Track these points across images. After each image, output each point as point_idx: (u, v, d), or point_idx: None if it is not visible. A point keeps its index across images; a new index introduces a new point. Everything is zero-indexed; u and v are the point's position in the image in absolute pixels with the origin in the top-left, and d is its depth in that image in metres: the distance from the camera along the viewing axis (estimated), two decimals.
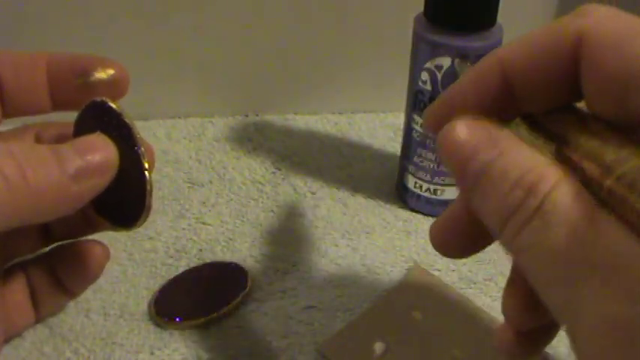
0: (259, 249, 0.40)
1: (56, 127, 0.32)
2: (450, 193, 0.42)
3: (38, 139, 0.31)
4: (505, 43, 0.38)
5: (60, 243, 0.33)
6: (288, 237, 0.41)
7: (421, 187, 0.42)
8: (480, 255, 0.40)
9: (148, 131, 0.49)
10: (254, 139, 0.50)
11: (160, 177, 0.45)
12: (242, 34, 0.49)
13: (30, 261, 0.32)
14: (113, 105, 0.29)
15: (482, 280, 0.38)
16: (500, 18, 0.38)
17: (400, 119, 0.43)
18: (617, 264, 0.17)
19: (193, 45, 0.49)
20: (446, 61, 0.37)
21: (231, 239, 0.41)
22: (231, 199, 0.44)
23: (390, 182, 0.45)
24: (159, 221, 0.41)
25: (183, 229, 0.41)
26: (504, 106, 0.22)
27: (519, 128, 0.22)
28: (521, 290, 0.25)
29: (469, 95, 0.23)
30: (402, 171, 0.43)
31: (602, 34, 0.20)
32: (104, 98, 0.29)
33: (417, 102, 0.39)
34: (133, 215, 0.30)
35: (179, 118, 0.51)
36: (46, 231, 0.32)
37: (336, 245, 0.40)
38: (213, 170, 0.46)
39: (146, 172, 0.29)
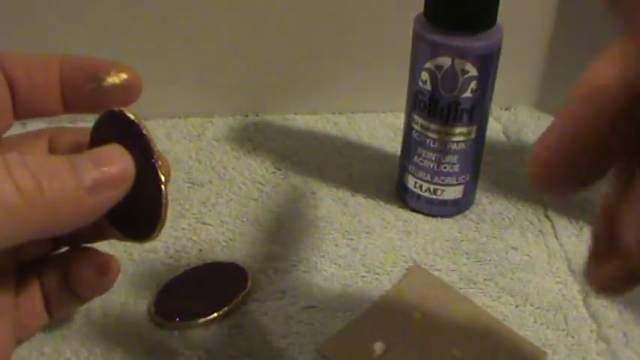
0: (259, 249, 0.40)
1: (70, 134, 0.31)
2: (450, 192, 0.42)
3: (52, 145, 0.31)
4: (504, 44, 0.38)
5: (74, 250, 0.32)
6: (288, 237, 0.41)
7: (421, 187, 0.42)
8: (479, 255, 0.40)
9: None
10: (254, 139, 0.50)
11: None
12: (242, 34, 0.49)
13: (44, 266, 0.32)
14: (131, 116, 0.29)
15: (483, 280, 0.38)
16: (501, 18, 0.38)
17: (400, 119, 0.43)
18: None
19: (193, 45, 0.49)
20: (446, 61, 0.37)
21: (231, 239, 0.41)
22: (232, 199, 0.44)
23: (390, 182, 0.45)
24: None
25: (184, 229, 0.41)
26: None
27: None
28: None
29: None
30: (402, 171, 0.43)
31: None
32: (122, 109, 0.29)
33: (417, 102, 0.39)
34: (146, 229, 0.29)
35: (179, 118, 0.51)
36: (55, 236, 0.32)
37: (336, 245, 0.40)
38: (213, 170, 0.46)
39: (162, 186, 0.28)
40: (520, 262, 0.40)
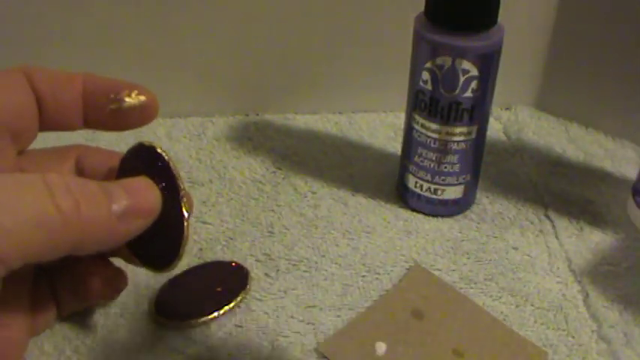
0: (259, 248, 0.40)
1: (99, 156, 0.33)
2: (451, 192, 0.42)
3: (79, 164, 0.33)
4: (505, 43, 0.38)
5: (86, 259, 0.33)
6: (288, 237, 0.41)
7: (422, 186, 0.42)
8: (480, 255, 0.40)
9: (148, 130, 0.49)
10: (254, 138, 0.50)
11: None
12: (242, 34, 0.49)
13: (57, 272, 0.33)
14: (162, 153, 0.31)
15: (483, 280, 0.38)
16: (501, 18, 0.38)
17: (401, 119, 0.43)
18: None
19: (193, 45, 0.49)
20: (446, 61, 0.37)
21: (231, 238, 0.41)
22: (232, 199, 0.44)
23: (390, 182, 0.45)
24: None
25: None
26: None
27: None
28: None
29: None
30: (403, 170, 0.43)
31: None
32: (153, 143, 0.31)
33: (417, 102, 0.39)
34: (164, 261, 0.31)
35: (179, 117, 0.51)
36: None
37: (337, 245, 0.40)
38: (213, 169, 0.46)
39: (185, 222, 0.30)
40: (520, 262, 0.40)
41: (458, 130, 0.39)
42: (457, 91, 0.38)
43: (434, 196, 0.42)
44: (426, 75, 0.38)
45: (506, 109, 0.54)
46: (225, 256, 0.39)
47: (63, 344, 0.34)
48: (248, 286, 0.37)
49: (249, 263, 0.39)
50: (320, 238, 0.41)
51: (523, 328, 0.36)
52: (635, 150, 0.50)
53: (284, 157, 0.48)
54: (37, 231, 0.25)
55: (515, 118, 0.53)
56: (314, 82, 0.51)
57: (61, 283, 0.33)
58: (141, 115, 0.32)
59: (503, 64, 0.39)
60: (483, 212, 0.43)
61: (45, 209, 0.25)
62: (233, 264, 0.38)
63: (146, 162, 0.31)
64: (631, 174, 0.47)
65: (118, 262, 0.34)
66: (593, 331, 0.36)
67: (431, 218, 0.43)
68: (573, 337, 0.35)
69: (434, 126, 0.39)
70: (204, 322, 0.35)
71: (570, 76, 0.51)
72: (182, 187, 0.30)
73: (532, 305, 0.37)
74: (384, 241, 0.41)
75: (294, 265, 0.39)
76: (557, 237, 0.42)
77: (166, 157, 0.31)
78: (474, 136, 0.40)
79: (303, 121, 0.52)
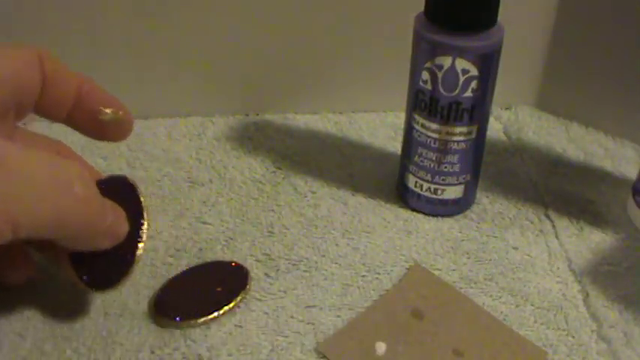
0: (259, 248, 0.40)
1: (79, 163, 0.36)
2: (451, 192, 0.42)
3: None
4: (505, 43, 0.38)
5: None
6: (288, 236, 0.41)
7: (422, 186, 0.42)
8: (480, 255, 0.40)
9: (148, 130, 0.49)
10: (254, 138, 0.50)
11: (160, 176, 0.45)
12: (242, 33, 0.49)
13: None
14: (135, 186, 0.35)
15: (483, 280, 0.38)
16: (501, 18, 0.38)
17: (401, 119, 0.43)
18: None
19: (193, 45, 0.49)
20: (446, 61, 0.37)
21: (231, 238, 0.41)
22: (232, 199, 0.44)
23: (390, 182, 0.45)
24: (159, 220, 0.41)
25: (184, 228, 0.41)
26: None
27: None
28: None
29: None
30: (403, 170, 0.43)
31: None
32: (128, 177, 0.35)
33: (417, 101, 0.39)
34: (101, 281, 0.33)
35: (179, 117, 0.51)
36: None
37: (337, 245, 0.40)
38: (213, 169, 0.46)
39: (139, 252, 0.34)
40: (520, 261, 0.40)
41: (458, 130, 0.39)
42: (457, 91, 0.38)
43: (434, 196, 0.42)
44: (425, 75, 0.38)
45: (507, 108, 0.54)
46: (225, 256, 0.39)
47: (63, 345, 0.34)
48: (248, 286, 0.37)
49: (249, 263, 0.39)
50: (320, 238, 0.41)
51: (523, 328, 0.36)
52: (635, 150, 0.50)
53: (284, 157, 0.48)
54: (52, 210, 0.28)
55: (515, 118, 0.53)
56: (314, 82, 0.51)
57: None
58: (118, 132, 0.35)
59: (503, 64, 0.39)
60: (483, 212, 0.43)
61: (67, 192, 0.28)
62: (233, 264, 0.38)
63: (121, 190, 0.34)
64: (631, 174, 0.47)
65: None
66: (593, 331, 0.36)
67: (431, 218, 0.43)
68: (573, 337, 0.35)
69: (434, 126, 0.39)
70: (204, 322, 0.35)
71: (570, 76, 0.51)
72: (146, 216, 0.34)
73: (532, 305, 0.37)
74: (384, 241, 0.41)
75: (294, 265, 0.39)
76: (557, 237, 0.42)
77: (138, 189, 0.35)
78: (473, 136, 0.40)
79: (303, 121, 0.52)
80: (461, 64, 0.37)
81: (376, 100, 0.53)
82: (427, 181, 0.41)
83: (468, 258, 0.40)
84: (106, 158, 0.46)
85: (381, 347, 0.34)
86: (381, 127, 0.51)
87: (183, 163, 0.47)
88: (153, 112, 0.50)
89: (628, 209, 0.44)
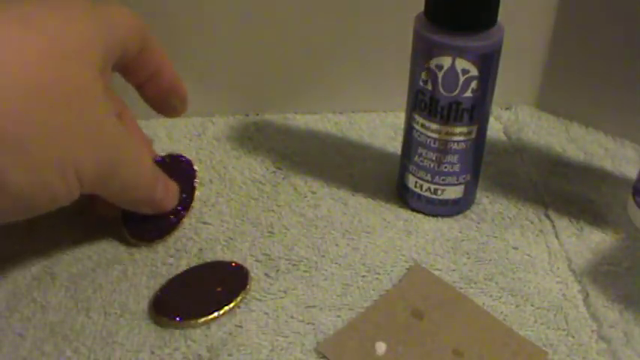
0: (259, 248, 0.40)
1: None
2: (451, 192, 0.42)
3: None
4: (505, 43, 0.38)
5: None
6: (288, 236, 0.41)
7: (422, 186, 0.42)
8: (480, 255, 0.40)
9: (148, 130, 0.49)
10: (254, 138, 0.50)
11: None
12: (242, 33, 0.49)
13: None
14: (194, 165, 0.44)
15: (483, 280, 0.38)
16: (501, 18, 0.38)
17: (401, 119, 0.43)
18: None
19: (193, 45, 0.49)
20: (446, 61, 0.37)
21: (231, 239, 0.41)
22: (232, 199, 0.44)
23: (390, 182, 0.45)
24: None
25: (184, 228, 0.41)
26: None
27: None
28: None
29: None
30: (403, 170, 0.43)
31: None
32: (189, 158, 0.44)
33: (417, 101, 0.39)
34: (144, 235, 0.40)
35: (179, 117, 0.51)
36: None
37: (337, 245, 0.40)
38: (213, 169, 0.46)
39: (185, 214, 0.41)
40: (520, 261, 0.40)
41: (458, 130, 0.39)
42: (457, 91, 0.38)
43: (434, 196, 0.42)
44: (425, 75, 0.38)
45: (507, 108, 0.54)
46: (225, 256, 0.39)
47: (63, 345, 0.34)
48: (248, 286, 0.37)
49: (249, 263, 0.39)
50: (320, 238, 0.41)
51: (523, 328, 0.36)
52: (635, 150, 0.50)
53: (284, 157, 0.48)
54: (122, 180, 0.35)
55: (515, 118, 0.53)
56: (314, 82, 0.51)
57: None
58: (172, 114, 0.42)
59: (503, 63, 0.39)
60: (483, 212, 0.43)
61: (145, 170, 0.37)
62: (233, 264, 0.38)
63: (181, 171, 0.42)
64: (631, 174, 0.47)
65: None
66: (593, 331, 0.36)
67: (431, 218, 0.43)
68: (573, 337, 0.35)
69: (434, 126, 0.39)
70: (204, 322, 0.35)
71: (570, 76, 0.51)
72: (196, 189, 0.43)
73: (532, 305, 0.37)
74: (384, 241, 0.41)
75: (294, 265, 0.39)
76: (557, 237, 0.42)
77: (196, 169, 0.43)
78: (473, 135, 0.40)
79: (303, 120, 0.52)
80: (461, 64, 0.37)
81: (376, 100, 0.53)
82: (427, 181, 0.41)
83: (468, 258, 0.40)
84: None
85: (381, 347, 0.34)
86: (381, 127, 0.51)
87: None
88: (153, 112, 0.50)
89: (628, 209, 0.44)
